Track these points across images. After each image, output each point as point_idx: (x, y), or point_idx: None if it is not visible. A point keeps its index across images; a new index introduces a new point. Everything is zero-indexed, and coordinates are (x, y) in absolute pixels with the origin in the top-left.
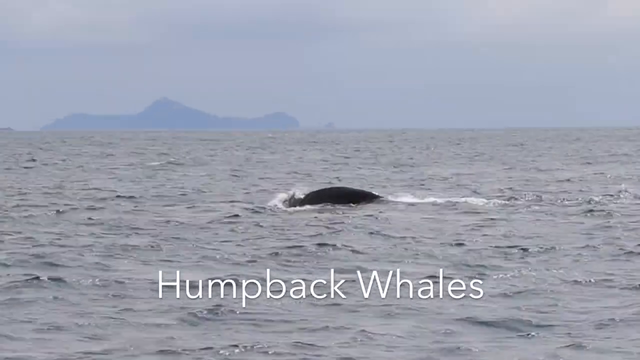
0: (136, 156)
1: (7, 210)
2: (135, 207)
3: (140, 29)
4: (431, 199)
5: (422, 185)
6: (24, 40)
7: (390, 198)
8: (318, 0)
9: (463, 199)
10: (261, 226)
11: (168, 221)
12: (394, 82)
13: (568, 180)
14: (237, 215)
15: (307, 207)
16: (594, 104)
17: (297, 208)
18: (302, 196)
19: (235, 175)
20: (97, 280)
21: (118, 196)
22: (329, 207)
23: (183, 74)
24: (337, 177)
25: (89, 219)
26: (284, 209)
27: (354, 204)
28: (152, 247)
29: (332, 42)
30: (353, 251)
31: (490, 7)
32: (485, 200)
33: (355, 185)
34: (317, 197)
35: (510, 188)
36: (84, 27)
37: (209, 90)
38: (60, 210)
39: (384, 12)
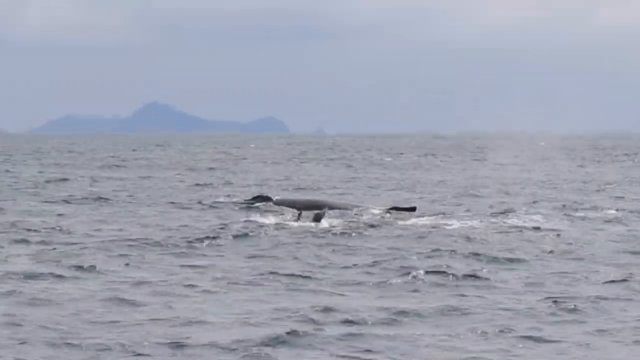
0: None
1: None
2: None
3: (133, 31)
4: None
5: None
6: (15, 40)
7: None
8: (309, 6)
9: None
10: None
11: None
12: (384, 87)
13: None
14: None
15: None
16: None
17: None
18: None
19: None
20: None
21: None
22: None
23: (172, 76)
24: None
25: None
26: None
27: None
28: None
29: (322, 47)
30: None
31: (480, 11)
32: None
33: None
34: None
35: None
36: (77, 27)
37: (198, 94)
38: None
39: (375, 17)
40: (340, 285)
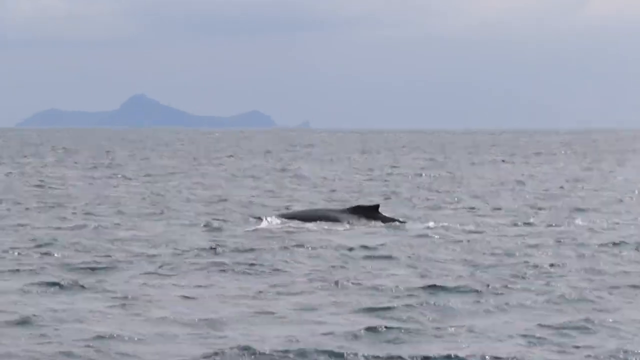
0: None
1: None
2: None
3: (119, 25)
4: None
5: None
6: (0, 32)
7: None
8: None
9: None
10: None
11: None
12: (371, 80)
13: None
14: None
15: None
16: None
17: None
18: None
19: None
20: None
21: None
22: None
23: (158, 70)
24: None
25: None
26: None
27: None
28: None
29: (309, 40)
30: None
31: (476, 4)
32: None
33: None
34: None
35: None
36: (64, 19)
37: (184, 88)
38: None
39: (362, 10)
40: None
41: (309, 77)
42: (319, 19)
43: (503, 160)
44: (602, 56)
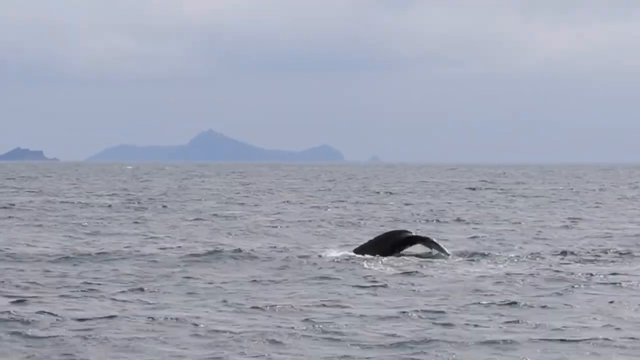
0: None
1: None
2: None
3: (187, 62)
4: None
5: None
6: (73, 70)
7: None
8: (364, 34)
9: None
10: None
11: None
12: (438, 115)
13: None
14: None
15: None
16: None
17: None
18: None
19: None
20: None
21: None
22: None
23: (228, 106)
24: None
25: None
26: None
27: None
28: None
29: (377, 75)
30: None
31: (542, 42)
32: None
33: None
34: None
35: None
36: (133, 58)
37: (253, 123)
38: None
39: (430, 46)
40: None
41: (375, 113)
42: (386, 58)
43: None
44: None
